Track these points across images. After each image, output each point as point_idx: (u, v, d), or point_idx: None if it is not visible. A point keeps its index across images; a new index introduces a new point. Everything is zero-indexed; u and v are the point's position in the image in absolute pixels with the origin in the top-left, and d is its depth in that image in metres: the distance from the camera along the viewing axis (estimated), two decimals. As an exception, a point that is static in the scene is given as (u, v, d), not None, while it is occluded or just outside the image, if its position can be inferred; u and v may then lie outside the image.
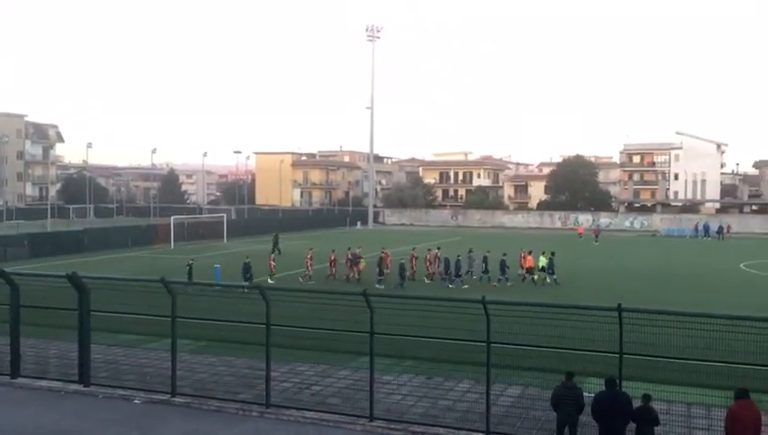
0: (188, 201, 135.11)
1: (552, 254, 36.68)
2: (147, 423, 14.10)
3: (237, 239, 65.59)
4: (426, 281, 35.99)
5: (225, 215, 74.35)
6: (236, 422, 14.13)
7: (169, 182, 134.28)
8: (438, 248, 38.89)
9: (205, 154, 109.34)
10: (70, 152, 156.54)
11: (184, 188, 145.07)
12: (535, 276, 36.06)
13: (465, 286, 33.59)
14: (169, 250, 55.72)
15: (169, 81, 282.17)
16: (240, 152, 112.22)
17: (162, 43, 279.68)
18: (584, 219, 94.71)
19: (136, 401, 15.28)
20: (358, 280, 35.68)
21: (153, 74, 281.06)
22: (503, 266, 35.17)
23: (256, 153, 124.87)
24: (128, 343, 20.19)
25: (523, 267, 36.88)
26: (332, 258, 37.25)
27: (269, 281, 34.02)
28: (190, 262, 34.08)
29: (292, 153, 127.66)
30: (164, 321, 15.67)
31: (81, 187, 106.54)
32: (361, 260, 37.42)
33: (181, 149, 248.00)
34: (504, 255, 35.70)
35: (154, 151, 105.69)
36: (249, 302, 15.05)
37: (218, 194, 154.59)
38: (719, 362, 13.67)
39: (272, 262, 36.73)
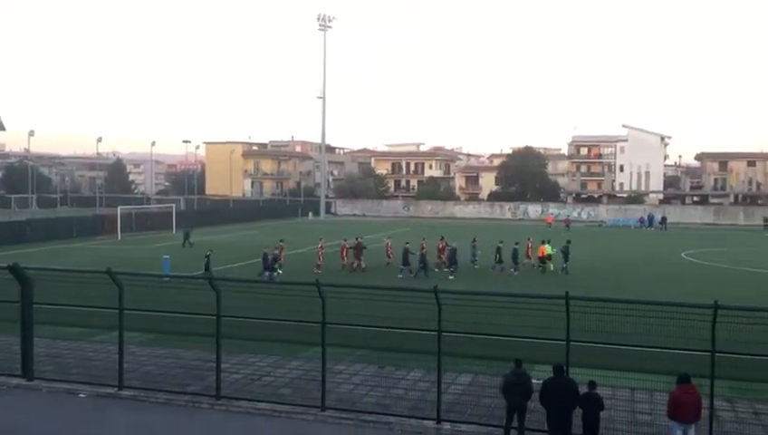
0: (136, 191, 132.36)
1: (568, 242, 37.63)
2: (92, 417, 13.82)
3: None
4: (435, 270, 35.89)
5: (174, 205, 73.03)
6: (186, 415, 13.95)
7: (116, 172, 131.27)
8: (444, 239, 38.83)
9: (153, 143, 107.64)
10: (11, 140, 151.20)
11: (131, 177, 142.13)
12: (550, 265, 36.75)
13: (451, 278, 33.75)
14: (116, 241, 54.51)
15: (116, 67, 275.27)
16: (189, 142, 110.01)
17: (108, 29, 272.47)
18: (533, 210, 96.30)
19: (81, 395, 14.93)
20: (360, 269, 35.87)
21: (98, 60, 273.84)
22: (515, 256, 36.08)
23: (206, 143, 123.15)
24: (73, 335, 19.69)
25: (529, 257, 37.92)
26: (344, 246, 37.40)
27: (279, 272, 33.95)
28: (208, 253, 33.10)
29: (243, 143, 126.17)
30: (111, 313, 15.32)
31: (24, 176, 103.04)
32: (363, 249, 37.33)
33: (128, 139, 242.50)
34: (517, 244, 36.72)
35: (100, 140, 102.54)
36: (200, 293, 14.85)
37: (167, 184, 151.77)
38: (662, 348, 14.13)
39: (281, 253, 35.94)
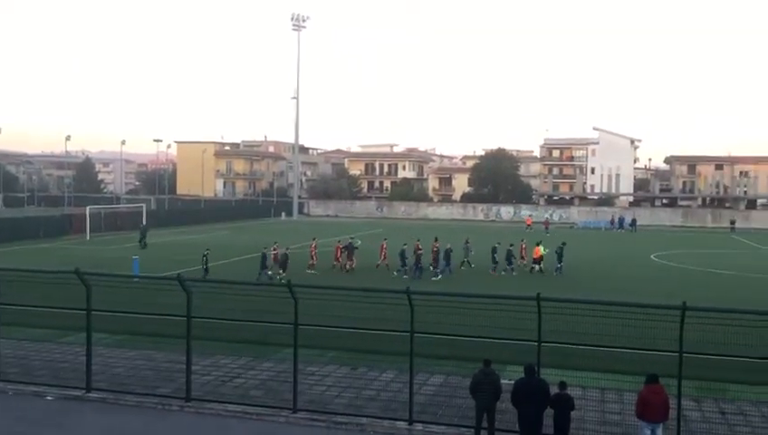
0: (105, 191, 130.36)
1: (563, 244, 38.12)
2: (60, 420, 13.58)
3: (157, 230, 63.82)
4: (432, 269, 35.94)
5: (144, 205, 72.19)
6: (155, 417, 13.78)
7: (85, 171, 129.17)
8: (437, 240, 38.85)
9: (123, 142, 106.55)
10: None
11: (101, 177, 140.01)
12: (542, 266, 37.21)
13: (435, 278, 33.93)
14: (85, 241, 53.70)
15: (85, 64, 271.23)
16: (161, 141, 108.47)
17: (77, 25, 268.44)
18: (506, 212, 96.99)
19: (48, 398, 14.68)
20: (351, 269, 36.01)
21: (67, 57, 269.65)
22: (509, 257, 36.69)
23: (178, 142, 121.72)
24: (40, 337, 19.33)
25: (524, 258, 38.41)
26: (338, 247, 37.43)
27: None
28: (206, 252, 33.23)
29: (216, 143, 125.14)
30: (79, 314, 15.09)
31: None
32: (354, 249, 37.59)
33: (98, 137, 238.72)
34: (511, 245, 37.44)
35: (68, 138, 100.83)
36: (170, 294, 14.68)
37: (137, 183, 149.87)
38: (631, 348, 14.30)
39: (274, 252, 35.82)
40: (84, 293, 14.67)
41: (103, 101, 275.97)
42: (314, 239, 38.95)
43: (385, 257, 37.63)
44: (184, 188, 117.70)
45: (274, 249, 35.32)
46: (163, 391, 14.91)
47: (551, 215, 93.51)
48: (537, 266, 37.16)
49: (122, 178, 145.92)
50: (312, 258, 36.52)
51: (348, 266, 36.45)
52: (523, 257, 38.56)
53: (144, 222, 53.75)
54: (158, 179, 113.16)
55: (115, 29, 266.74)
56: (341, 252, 37.19)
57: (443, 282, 33.11)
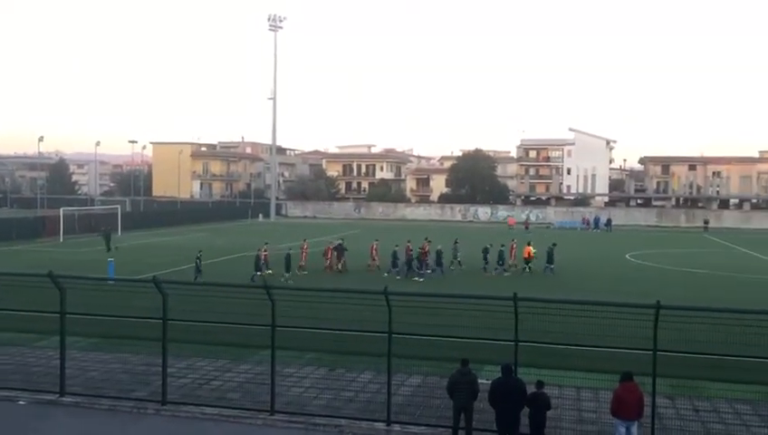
0: (80, 192, 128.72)
1: (554, 245, 38.77)
2: (33, 425, 13.37)
3: (133, 232, 63.22)
4: (429, 272, 36.33)
5: (119, 206, 71.34)
6: (130, 421, 13.63)
7: (59, 172, 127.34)
8: (427, 240, 39.45)
9: (97, 143, 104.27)
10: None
11: (75, 178, 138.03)
12: (531, 266, 37.64)
13: (420, 280, 34.09)
14: (58, 244, 52.96)
15: (59, 64, 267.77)
16: (136, 142, 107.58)
17: (51, 25, 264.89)
18: (483, 212, 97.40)
19: (21, 402, 14.45)
20: (344, 270, 36.21)
21: (41, 56, 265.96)
22: (501, 257, 37.12)
23: (153, 143, 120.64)
24: (12, 341, 19.00)
25: (514, 258, 38.71)
26: (328, 248, 37.49)
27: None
28: (199, 253, 33.30)
29: (192, 144, 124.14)
30: (52, 317, 14.88)
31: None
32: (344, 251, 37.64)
33: (72, 138, 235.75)
34: (502, 246, 37.90)
35: (41, 139, 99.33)
36: (146, 297, 14.53)
37: (112, 185, 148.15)
38: (607, 347, 14.43)
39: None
40: (58, 296, 14.47)
41: (77, 101, 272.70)
42: (305, 240, 39.00)
43: (375, 259, 37.87)
44: (160, 189, 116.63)
45: (264, 250, 35.26)
46: (138, 394, 14.76)
47: (527, 215, 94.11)
48: (528, 266, 37.64)
49: (97, 180, 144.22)
50: (303, 259, 36.59)
51: (339, 267, 36.65)
52: (513, 258, 38.87)
53: (105, 227, 52.87)
54: (133, 181, 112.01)
55: (89, 29, 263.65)
56: (332, 253, 37.31)
57: (434, 283, 33.25)
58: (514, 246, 39.46)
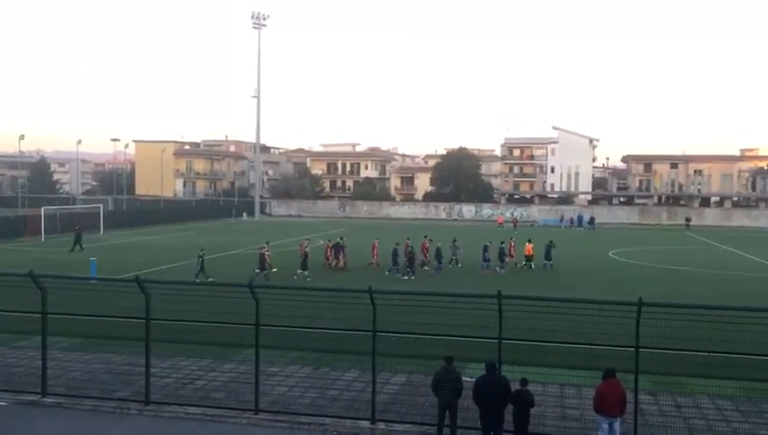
0: (61, 191, 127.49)
1: (551, 242, 39.77)
2: (14, 425, 13.23)
3: (115, 231, 62.75)
4: (425, 268, 37.02)
5: (101, 205, 70.77)
6: (113, 421, 13.53)
7: (40, 171, 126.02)
8: (427, 237, 39.86)
9: (79, 141, 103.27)
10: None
11: (56, 177, 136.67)
12: (533, 263, 38.30)
13: (412, 277, 34.17)
14: (40, 243, 52.43)
15: (40, 61, 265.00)
16: (118, 140, 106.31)
17: (30, 21, 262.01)
18: (468, 210, 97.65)
19: (2, 403, 14.30)
20: (343, 268, 36.39)
21: (21, 54, 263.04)
22: (501, 255, 37.59)
23: (136, 141, 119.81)
24: (-7, 341, 18.82)
25: (512, 255, 39.09)
26: (328, 246, 37.69)
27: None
28: (201, 252, 33.29)
29: (175, 142, 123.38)
30: (33, 317, 14.74)
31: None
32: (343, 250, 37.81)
33: (53, 136, 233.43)
34: (503, 243, 38.51)
35: (22, 138, 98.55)
36: (129, 296, 14.42)
37: (94, 184, 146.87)
38: (590, 344, 14.52)
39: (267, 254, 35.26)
40: (39, 296, 14.33)
41: (59, 99, 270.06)
42: (308, 240, 39.23)
43: (376, 256, 38.28)
44: (143, 188, 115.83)
45: (266, 249, 35.21)
46: (121, 394, 14.66)
47: (514, 214, 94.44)
48: (529, 263, 38.29)
49: (78, 179, 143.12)
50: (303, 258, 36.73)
51: (337, 265, 36.89)
52: (512, 255, 39.27)
53: (77, 226, 52.24)
54: (115, 179, 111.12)
55: (70, 26, 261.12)
56: (331, 251, 37.45)
57: (432, 280, 33.58)
58: (513, 243, 39.91)
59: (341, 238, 39.43)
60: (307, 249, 35.52)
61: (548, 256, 38.45)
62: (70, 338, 18.48)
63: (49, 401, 14.32)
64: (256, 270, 32.89)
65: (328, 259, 37.20)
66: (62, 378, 15.61)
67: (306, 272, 33.52)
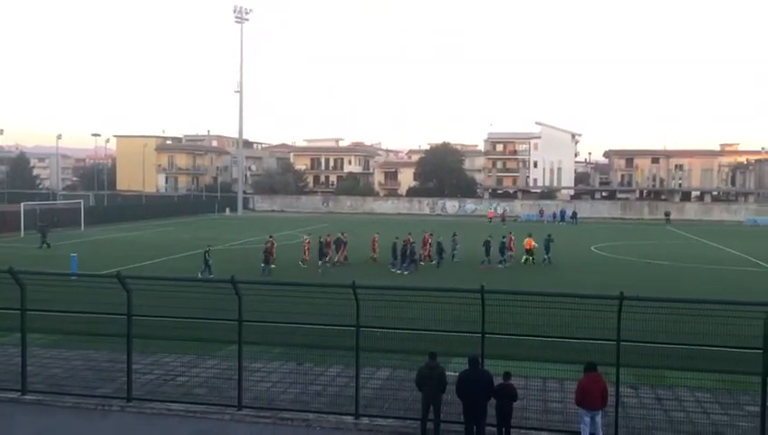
0: (41, 187, 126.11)
1: (549, 236, 40.39)
2: (-7, 424, 13.10)
3: (96, 227, 62.19)
4: (422, 263, 37.34)
5: (82, 201, 70.09)
6: (95, 418, 13.43)
7: (19, 166, 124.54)
8: (429, 232, 40.58)
9: (59, 136, 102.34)
10: None
11: (36, 172, 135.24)
12: (533, 257, 38.84)
13: (405, 273, 34.40)
14: (19, 239, 51.86)
15: (19, 55, 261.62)
16: (99, 135, 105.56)
17: (11, 16, 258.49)
18: (451, 205, 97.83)
19: (-19, 402, 14.14)
20: (344, 262, 36.90)
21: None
22: (502, 250, 38.08)
23: (117, 136, 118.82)
24: (-29, 339, 18.59)
25: (512, 250, 39.35)
26: (327, 241, 37.71)
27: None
28: (207, 247, 33.33)
29: (157, 137, 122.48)
30: (13, 314, 14.57)
31: None
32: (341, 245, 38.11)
33: (33, 131, 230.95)
34: (504, 238, 39.00)
35: (1, 133, 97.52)
36: (111, 292, 14.29)
37: (75, 179, 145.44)
38: (572, 338, 14.63)
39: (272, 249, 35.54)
40: (18, 292, 14.17)
41: (39, 94, 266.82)
42: (309, 235, 39.54)
43: (376, 251, 38.70)
44: (124, 183, 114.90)
45: (270, 243, 35.25)
46: (103, 391, 14.55)
47: (501, 208, 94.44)
48: (530, 258, 38.83)
49: (59, 174, 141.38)
50: (305, 253, 37.17)
51: (338, 260, 37.26)
52: (511, 249, 39.60)
53: (42, 222, 51.62)
54: (96, 175, 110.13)
55: (50, 21, 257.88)
56: (330, 246, 37.66)
57: (432, 274, 33.82)
58: (512, 238, 40.34)
59: (342, 233, 39.51)
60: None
61: (547, 250, 39.17)
62: (50, 335, 18.29)
63: (29, 399, 14.18)
64: (262, 264, 33.08)
65: (328, 254, 37.33)
66: (42, 375, 15.47)
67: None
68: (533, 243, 39.26)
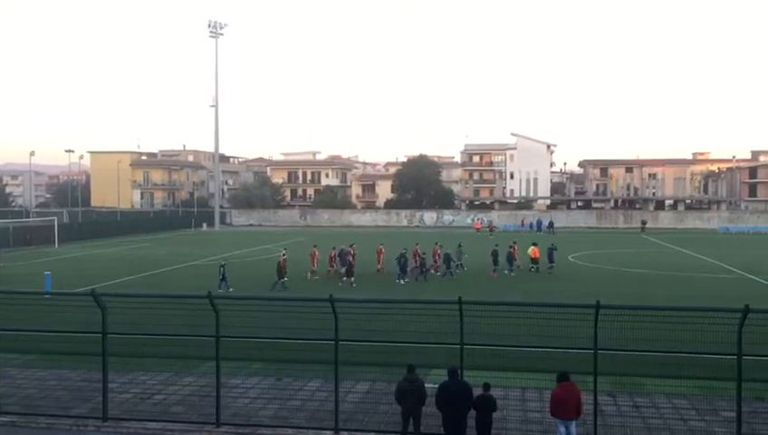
0: (14, 204, 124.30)
1: (553, 245, 41.56)
2: (-35, 448, 12.83)
3: (71, 244, 61.41)
4: (432, 272, 37.90)
5: (56, 218, 69.19)
6: (70, 439, 13.19)
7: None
8: (438, 244, 40.98)
9: (32, 153, 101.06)
10: None
11: (8, 190, 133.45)
12: (538, 266, 39.54)
13: (401, 282, 34.87)
14: (-8, 257, 50.94)
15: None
16: (72, 151, 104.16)
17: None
18: (429, 217, 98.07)
19: (-48, 425, 13.83)
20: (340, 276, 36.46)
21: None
22: (510, 259, 38.74)
23: (91, 152, 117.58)
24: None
25: (516, 259, 39.84)
26: (332, 255, 37.68)
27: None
28: (223, 263, 33.23)
29: (132, 152, 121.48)
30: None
31: None
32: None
33: (5, 148, 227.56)
34: (510, 247, 39.53)
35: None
36: (85, 310, 14.08)
37: (48, 196, 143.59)
38: (550, 347, 14.70)
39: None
40: (-10, 312, 13.93)
41: (10, 110, 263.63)
42: (315, 247, 39.36)
43: (381, 263, 39.17)
44: (99, 200, 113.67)
45: (284, 256, 34.95)
46: (78, 411, 14.32)
47: (473, 218, 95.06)
48: (535, 266, 39.53)
49: (32, 191, 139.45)
50: (314, 265, 37.15)
51: (342, 272, 36.82)
52: (515, 259, 40.03)
53: None
54: (70, 191, 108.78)
55: (20, 34, 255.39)
56: (335, 259, 37.63)
57: (439, 285, 33.98)
58: (516, 248, 40.74)
59: (351, 245, 39.35)
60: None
61: (550, 259, 39.87)
62: (24, 354, 17.97)
63: (3, 420, 13.90)
64: (276, 278, 32.83)
65: (332, 267, 37.30)
66: (16, 396, 15.18)
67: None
68: (538, 252, 39.97)
